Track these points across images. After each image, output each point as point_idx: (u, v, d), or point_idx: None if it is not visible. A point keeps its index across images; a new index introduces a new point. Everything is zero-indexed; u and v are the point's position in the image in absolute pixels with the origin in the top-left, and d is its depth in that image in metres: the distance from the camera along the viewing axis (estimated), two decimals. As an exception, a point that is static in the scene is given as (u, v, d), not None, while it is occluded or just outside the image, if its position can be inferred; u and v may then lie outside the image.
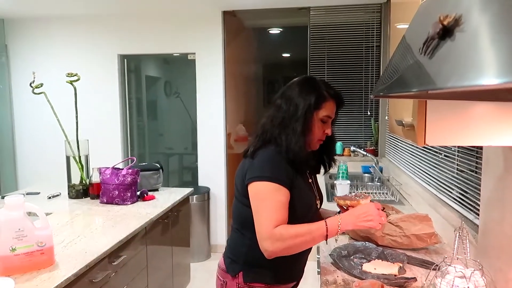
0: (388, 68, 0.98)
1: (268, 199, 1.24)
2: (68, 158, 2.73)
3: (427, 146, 2.45)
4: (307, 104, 1.29)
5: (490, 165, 1.47)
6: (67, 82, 2.68)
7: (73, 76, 2.65)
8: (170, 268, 2.69)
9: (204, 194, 3.89)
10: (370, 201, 1.38)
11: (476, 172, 1.75)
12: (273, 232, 1.21)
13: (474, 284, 1.32)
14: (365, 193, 1.89)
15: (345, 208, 1.43)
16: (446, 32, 0.58)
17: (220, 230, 4.06)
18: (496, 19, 0.55)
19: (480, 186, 1.58)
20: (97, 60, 4.10)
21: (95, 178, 2.66)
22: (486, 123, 1.04)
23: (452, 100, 1.02)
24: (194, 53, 3.95)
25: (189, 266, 3.11)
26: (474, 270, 1.34)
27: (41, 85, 2.68)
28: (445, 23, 0.57)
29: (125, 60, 4.20)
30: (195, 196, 3.80)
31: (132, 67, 4.47)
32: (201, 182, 4.09)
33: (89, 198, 2.69)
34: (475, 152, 1.77)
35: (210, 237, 3.99)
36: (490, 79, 0.47)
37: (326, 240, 1.27)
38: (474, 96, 0.98)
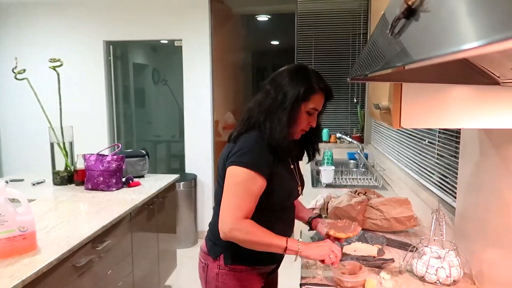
0: (365, 49, 1.00)
1: (241, 185, 1.26)
2: (52, 145, 2.71)
3: (411, 133, 2.49)
4: (295, 94, 1.28)
5: (467, 150, 1.50)
6: (49, 67, 2.64)
7: (56, 61, 2.62)
8: (156, 254, 2.71)
9: (191, 181, 3.90)
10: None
11: (455, 157, 1.79)
12: (240, 221, 1.25)
13: (448, 264, 1.36)
14: (353, 193, 1.90)
15: (333, 235, 1.48)
16: (411, 12, 0.59)
17: (207, 217, 4.08)
18: None
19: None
20: (82, 46, 4.04)
21: (80, 164, 2.64)
22: (460, 106, 1.06)
23: (427, 83, 1.04)
24: (181, 40, 3.92)
25: (176, 252, 3.13)
26: (448, 250, 1.38)
27: (24, 70, 2.64)
28: (410, 3, 0.58)
29: (111, 46, 4.15)
30: (182, 183, 3.80)
31: (118, 53, 4.41)
32: (188, 169, 4.09)
33: (74, 184, 2.68)
34: (454, 137, 1.81)
35: (197, 223, 4.02)
36: (467, 44, 0.46)
37: (284, 254, 1.32)
38: (448, 78, 0.99)
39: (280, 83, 1.32)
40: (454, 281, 1.37)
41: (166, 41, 4.20)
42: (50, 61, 2.64)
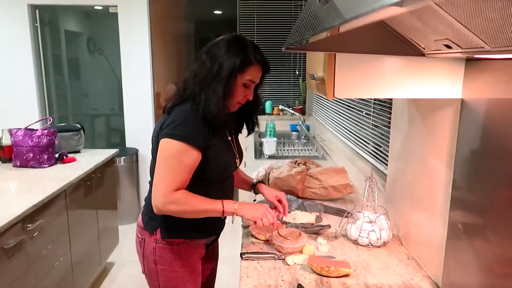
0: (299, 18, 0.99)
1: (174, 158, 1.23)
2: (-28, 119, 2.47)
3: (350, 105, 2.57)
4: (231, 66, 1.24)
5: (397, 120, 1.58)
6: (-36, 33, 2.37)
7: (-30, 26, 2.35)
8: (96, 231, 2.62)
9: (132, 155, 3.78)
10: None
11: (388, 127, 1.88)
12: (172, 194, 1.23)
13: (379, 227, 1.45)
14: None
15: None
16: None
17: (150, 192, 3.99)
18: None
19: (389, 139, 1.69)
20: (3, 10, 3.66)
21: (6, 140, 2.45)
22: (390, 77, 1.10)
23: (359, 53, 1.06)
24: (116, 6, 3.68)
25: (117, 228, 3.05)
26: (379, 215, 1.47)
27: None
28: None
29: (37, 11, 3.80)
30: (123, 158, 3.67)
31: (46, 19, 4.05)
32: (129, 144, 3.95)
33: (0, 162, 2.48)
34: (388, 108, 1.89)
35: (140, 198, 3.93)
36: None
37: (223, 216, 1.34)
38: (379, 49, 1.02)
39: (216, 54, 1.27)
40: (384, 242, 1.46)
41: (100, 7, 3.93)
42: (-36, 26, 2.37)
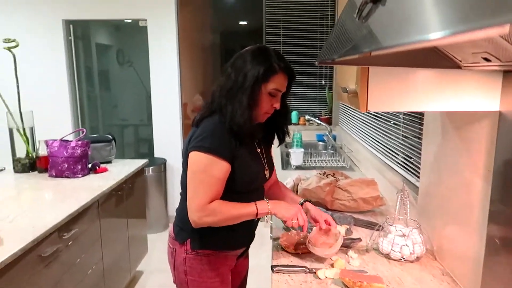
0: (333, 32, 1.00)
1: (204, 171, 1.25)
2: (11, 131, 2.58)
3: (377, 115, 2.54)
4: (255, 75, 1.25)
5: (430, 132, 1.55)
6: (4, 48, 2.49)
7: (10, 42, 2.47)
8: (126, 240, 2.67)
9: (161, 165, 3.85)
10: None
11: (419, 138, 1.84)
12: (206, 207, 1.25)
13: (412, 241, 1.42)
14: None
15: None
16: (377, -3, 0.58)
17: (178, 201, 4.01)
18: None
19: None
20: (40, 26, 3.83)
21: (42, 151, 2.54)
22: (424, 90, 1.08)
23: (393, 67, 1.05)
24: (146, 20, 3.79)
25: (146, 237, 3.10)
26: (412, 228, 1.44)
27: (-24, 52, 2.48)
28: (377, -13, 0.58)
29: (71, 25, 3.95)
30: (151, 168, 3.74)
31: (79, 33, 4.21)
32: (157, 154, 4.03)
33: (36, 172, 2.58)
34: (418, 119, 1.86)
35: (167, 208, 3.98)
36: (430, 34, 0.46)
37: (256, 218, 1.35)
38: (413, 62, 1.01)
39: (240, 65, 1.29)
40: (417, 257, 1.43)
41: (130, 21, 4.05)
42: (4, 42, 2.49)
